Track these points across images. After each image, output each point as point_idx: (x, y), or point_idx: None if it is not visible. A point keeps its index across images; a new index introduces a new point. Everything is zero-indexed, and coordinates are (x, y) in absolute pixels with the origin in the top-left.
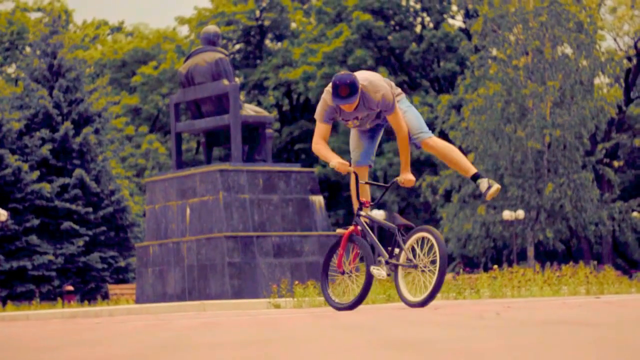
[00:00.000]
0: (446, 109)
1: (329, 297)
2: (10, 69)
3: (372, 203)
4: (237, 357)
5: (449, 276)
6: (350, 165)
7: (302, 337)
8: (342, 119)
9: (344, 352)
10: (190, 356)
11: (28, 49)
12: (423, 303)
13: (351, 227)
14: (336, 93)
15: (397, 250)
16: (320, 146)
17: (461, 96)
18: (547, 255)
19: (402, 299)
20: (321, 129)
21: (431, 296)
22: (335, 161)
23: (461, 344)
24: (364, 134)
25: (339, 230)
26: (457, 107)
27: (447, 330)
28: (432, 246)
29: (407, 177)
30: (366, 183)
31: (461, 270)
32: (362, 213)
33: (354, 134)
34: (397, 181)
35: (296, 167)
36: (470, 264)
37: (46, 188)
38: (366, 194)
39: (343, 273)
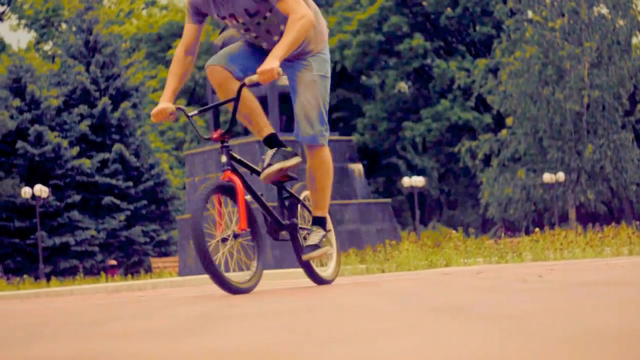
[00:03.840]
0: (483, 73)
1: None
2: (47, 46)
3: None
4: (279, 327)
5: (490, 241)
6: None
7: (344, 304)
8: (218, 16)
9: (385, 319)
10: (233, 326)
11: (64, 26)
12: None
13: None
14: None
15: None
16: (172, 67)
17: (498, 60)
18: (588, 217)
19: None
20: (185, 32)
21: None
22: (157, 107)
23: (503, 308)
24: (256, 52)
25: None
26: (494, 71)
27: (489, 294)
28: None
29: (263, 67)
30: (201, 111)
31: (503, 234)
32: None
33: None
34: (245, 81)
35: (334, 136)
36: (512, 228)
37: (86, 164)
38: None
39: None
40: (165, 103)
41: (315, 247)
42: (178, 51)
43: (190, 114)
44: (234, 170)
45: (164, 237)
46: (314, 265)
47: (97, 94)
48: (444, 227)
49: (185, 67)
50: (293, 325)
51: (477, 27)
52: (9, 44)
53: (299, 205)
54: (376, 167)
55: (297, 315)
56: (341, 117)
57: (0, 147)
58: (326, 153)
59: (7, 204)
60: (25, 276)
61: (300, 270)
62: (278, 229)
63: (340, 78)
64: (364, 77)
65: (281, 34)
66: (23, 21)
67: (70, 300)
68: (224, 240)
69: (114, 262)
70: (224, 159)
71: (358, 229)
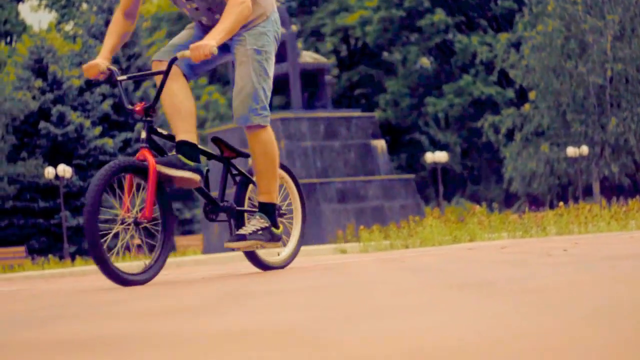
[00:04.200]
0: (505, 47)
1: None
2: (68, 27)
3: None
4: (304, 303)
5: (514, 215)
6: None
7: (368, 280)
8: None
9: (409, 295)
10: (255, 304)
11: (84, 6)
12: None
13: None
14: None
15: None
16: (111, 26)
17: (520, 34)
18: (613, 190)
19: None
20: None
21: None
22: (91, 61)
23: (528, 283)
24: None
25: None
26: (517, 46)
27: (514, 269)
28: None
29: (197, 43)
30: (130, 78)
31: (527, 209)
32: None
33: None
34: (177, 55)
35: (357, 112)
36: (536, 202)
37: (109, 143)
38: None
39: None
40: (100, 59)
41: (242, 237)
42: (116, 14)
43: (119, 79)
44: (153, 149)
45: (187, 215)
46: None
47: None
48: (468, 202)
49: (125, 28)
50: (315, 302)
51: (499, 1)
52: (30, 25)
53: (250, 186)
54: (399, 143)
55: (320, 292)
56: (363, 93)
57: (23, 128)
58: (266, 134)
59: (30, 184)
60: (50, 256)
61: (324, 247)
62: (212, 210)
63: (362, 54)
64: (385, 53)
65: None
66: (44, 1)
67: (94, 280)
68: (122, 222)
69: (138, 241)
70: (143, 134)
71: (381, 205)
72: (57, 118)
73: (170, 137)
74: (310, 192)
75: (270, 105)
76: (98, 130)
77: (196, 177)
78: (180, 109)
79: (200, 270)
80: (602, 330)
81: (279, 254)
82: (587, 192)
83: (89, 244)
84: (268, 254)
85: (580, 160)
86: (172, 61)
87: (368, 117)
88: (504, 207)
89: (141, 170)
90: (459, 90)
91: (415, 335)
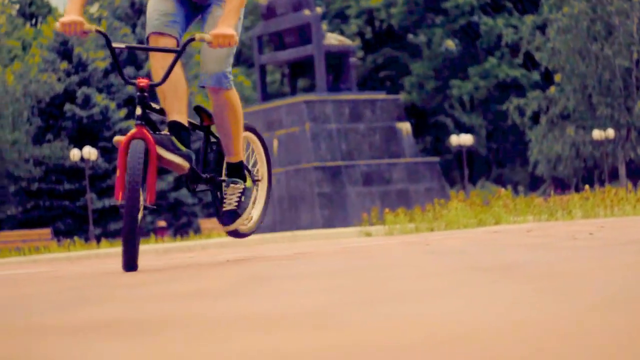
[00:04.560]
0: (531, 29)
1: None
2: (93, 9)
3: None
4: (328, 286)
5: (540, 199)
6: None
7: (393, 264)
8: None
9: (434, 278)
10: (282, 286)
11: None
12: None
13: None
14: None
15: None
16: None
17: (546, 16)
18: (638, 174)
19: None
20: None
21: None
22: (67, 17)
23: (553, 266)
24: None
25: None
26: (542, 28)
27: (539, 252)
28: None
29: (219, 31)
30: (131, 48)
31: (552, 192)
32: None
33: None
34: (196, 37)
35: (381, 95)
36: (562, 185)
37: (133, 126)
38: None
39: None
40: (75, 15)
41: (234, 214)
42: None
43: (115, 46)
44: (148, 126)
45: None
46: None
47: (143, 56)
48: (493, 185)
49: None
50: (339, 286)
51: None
52: (55, 7)
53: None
54: (424, 126)
55: (344, 276)
56: (388, 75)
57: (48, 110)
58: (234, 95)
59: (56, 166)
60: (75, 238)
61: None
62: (193, 180)
63: (387, 36)
64: (410, 36)
65: None
66: None
67: (119, 262)
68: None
69: (163, 224)
70: (138, 110)
71: (406, 188)
72: (82, 100)
73: (162, 111)
74: (335, 175)
75: (295, 87)
76: (123, 112)
77: (186, 164)
78: (177, 88)
79: (224, 252)
80: (633, 315)
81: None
82: (613, 176)
83: (127, 220)
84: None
85: (606, 144)
86: (190, 41)
87: (393, 99)
88: (529, 191)
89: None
90: (484, 73)
91: (438, 320)
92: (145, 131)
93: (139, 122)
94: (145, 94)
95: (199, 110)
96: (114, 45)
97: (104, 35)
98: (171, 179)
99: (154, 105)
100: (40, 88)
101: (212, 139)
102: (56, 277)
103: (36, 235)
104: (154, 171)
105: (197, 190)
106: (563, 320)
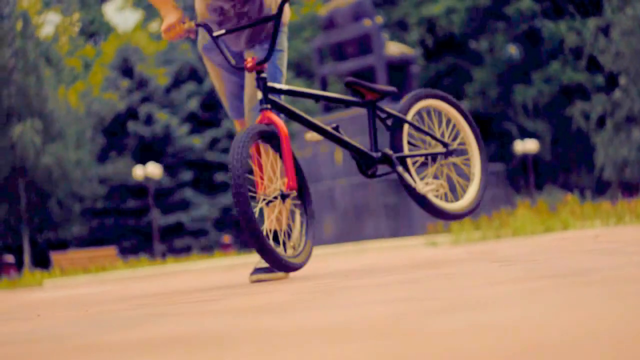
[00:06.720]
0: (593, 32)
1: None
2: (155, 25)
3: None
4: (399, 296)
5: (607, 203)
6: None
7: (459, 273)
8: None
9: (501, 286)
10: (353, 297)
11: None
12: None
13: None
14: None
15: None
16: None
17: (609, 18)
18: None
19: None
20: None
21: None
22: (167, 22)
23: (623, 271)
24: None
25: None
26: (605, 30)
27: (608, 258)
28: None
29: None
30: (230, 31)
31: (619, 196)
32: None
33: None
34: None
35: None
36: (629, 189)
37: (196, 142)
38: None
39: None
40: (172, 17)
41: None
42: None
43: (216, 34)
44: (276, 109)
45: None
46: (432, 199)
47: (204, 71)
48: (559, 190)
49: None
50: (405, 295)
51: None
52: (114, 26)
53: (406, 126)
54: (488, 133)
55: (410, 285)
56: (450, 83)
57: (111, 128)
58: None
59: (120, 184)
60: (140, 255)
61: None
62: (368, 164)
63: (448, 44)
64: (472, 42)
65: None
66: (130, 0)
67: (185, 279)
68: (269, 203)
69: (227, 239)
70: (259, 95)
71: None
72: (144, 117)
73: (292, 92)
74: (400, 186)
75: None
76: (185, 128)
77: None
78: None
79: None
80: None
81: (456, 200)
82: None
83: (249, 234)
84: (443, 200)
85: None
86: (285, 2)
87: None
88: (596, 195)
89: (269, 136)
90: (547, 78)
91: (516, 327)
92: (270, 115)
93: (263, 106)
94: (263, 75)
95: (351, 85)
96: (215, 34)
97: (204, 26)
98: None
99: (272, 84)
100: (102, 107)
101: (382, 115)
102: (122, 296)
103: (102, 253)
104: (288, 153)
105: (376, 175)
106: (635, 327)
